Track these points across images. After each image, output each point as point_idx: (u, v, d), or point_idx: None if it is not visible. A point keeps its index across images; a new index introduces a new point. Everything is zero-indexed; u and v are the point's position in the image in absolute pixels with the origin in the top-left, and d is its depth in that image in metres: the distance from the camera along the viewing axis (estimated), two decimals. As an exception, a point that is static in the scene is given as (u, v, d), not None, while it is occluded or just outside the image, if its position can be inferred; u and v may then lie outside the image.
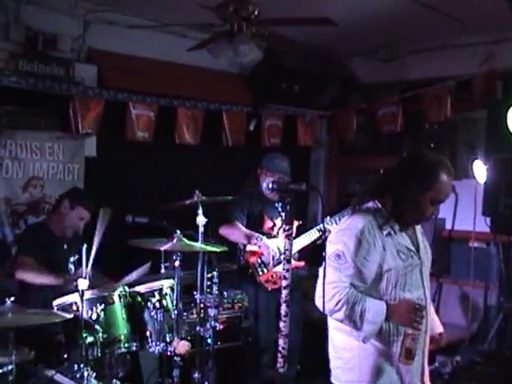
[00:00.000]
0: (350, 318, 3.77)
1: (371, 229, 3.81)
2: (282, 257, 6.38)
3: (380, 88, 8.77)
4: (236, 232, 6.51)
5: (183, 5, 6.39)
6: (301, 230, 6.55)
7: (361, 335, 3.82)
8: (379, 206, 3.90)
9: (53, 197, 6.83)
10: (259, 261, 6.51)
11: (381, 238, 3.81)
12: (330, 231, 6.38)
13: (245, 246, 6.52)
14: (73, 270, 5.83)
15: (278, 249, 6.46)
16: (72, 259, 5.84)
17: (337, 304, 3.78)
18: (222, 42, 5.90)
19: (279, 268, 6.46)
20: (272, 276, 6.52)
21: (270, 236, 6.53)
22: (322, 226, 6.60)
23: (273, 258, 6.44)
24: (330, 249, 3.87)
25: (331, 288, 3.80)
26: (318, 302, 3.90)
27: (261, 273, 6.52)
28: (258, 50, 5.91)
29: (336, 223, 6.51)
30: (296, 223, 6.24)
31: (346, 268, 3.79)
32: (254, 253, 6.51)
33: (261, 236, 6.44)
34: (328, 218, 6.54)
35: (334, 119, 9.28)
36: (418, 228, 4.08)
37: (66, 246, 5.95)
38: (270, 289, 6.53)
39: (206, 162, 8.10)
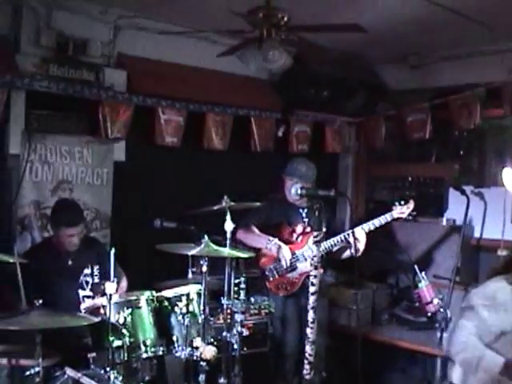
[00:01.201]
0: (467, 362, 4.15)
1: (503, 292, 4.17)
2: (299, 264, 6.46)
3: (409, 95, 8.73)
4: (250, 236, 6.51)
5: (213, 11, 6.41)
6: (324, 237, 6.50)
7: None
8: None
9: (81, 200, 6.87)
10: (271, 266, 6.49)
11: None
12: (357, 239, 6.31)
13: (259, 249, 6.51)
14: (89, 283, 5.90)
15: (294, 254, 6.44)
16: (87, 271, 5.91)
17: (459, 345, 4.19)
18: (251, 48, 5.90)
19: (292, 274, 6.46)
20: (284, 282, 6.49)
21: (288, 242, 6.51)
22: (346, 234, 6.48)
23: (285, 261, 6.40)
24: (468, 301, 4.28)
25: (459, 333, 4.22)
26: (446, 343, 4.43)
27: (271, 278, 6.50)
28: (287, 56, 5.90)
29: (365, 230, 6.42)
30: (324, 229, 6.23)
31: (474, 319, 4.16)
32: (267, 257, 6.50)
33: (271, 238, 6.42)
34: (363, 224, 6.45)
35: (362, 126, 9.26)
36: None
37: (70, 262, 5.98)
38: (281, 295, 6.51)
39: (234, 167, 8.11)
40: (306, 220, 6.58)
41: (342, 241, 6.40)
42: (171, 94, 7.41)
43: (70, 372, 4.80)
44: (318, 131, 8.88)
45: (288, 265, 6.42)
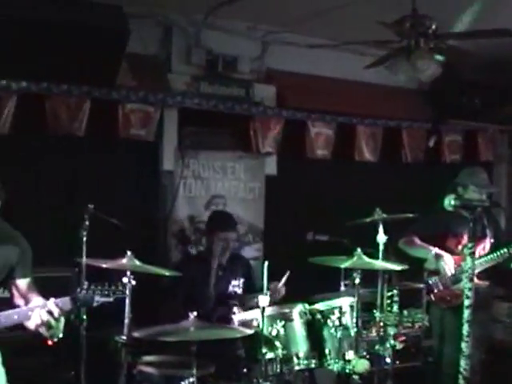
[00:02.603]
0: None
1: None
2: (464, 275, 6.27)
3: None
4: (410, 245, 6.39)
5: (360, 23, 6.39)
6: (491, 248, 6.30)
7: None
8: None
9: (234, 214, 6.99)
10: (435, 278, 6.35)
11: None
12: None
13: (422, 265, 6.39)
14: (237, 293, 6.03)
15: (460, 266, 6.28)
16: (234, 282, 6.02)
17: None
18: (399, 58, 5.85)
19: (457, 286, 6.27)
20: (448, 294, 6.32)
21: (453, 253, 6.37)
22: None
23: (447, 270, 6.22)
24: None
25: None
26: None
27: (436, 290, 6.35)
28: (436, 65, 5.82)
29: None
30: (487, 241, 6.06)
31: None
32: (431, 271, 6.36)
33: (431, 247, 6.26)
34: None
35: (516, 133, 9.02)
36: None
37: (220, 273, 6.07)
38: (444, 307, 6.35)
39: (385, 179, 8.04)
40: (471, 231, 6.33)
41: (504, 253, 6.16)
42: (320, 107, 7.45)
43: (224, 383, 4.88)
44: (470, 140, 8.69)
45: (450, 274, 6.24)
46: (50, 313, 3.69)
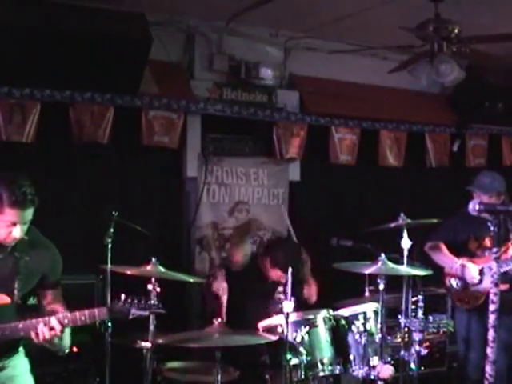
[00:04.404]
0: None
1: None
2: (485, 278, 6.24)
3: None
4: (436, 253, 6.36)
5: (382, 28, 6.39)
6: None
7: None
8: None
9: (258, 220, 6.99)
10: (453, 280, 6.31)
11: None
12: None
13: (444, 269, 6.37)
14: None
15: (482, 268, 6.24)
16: (280, 289, 5.95)
17: None
18: (422, 62, 5.85)
19: (476, 288, 6.22)
20: (467, 295, 6.28)
21: (474, 256, 6.33)
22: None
23: (471, 280, 6.19)
24: None
25: None
26: None
27: (453, 290, 6.32)
28: (459, 69, 5.80)
29: None
30: (510, 245, 6.02)
31: None
32: (450, 274, 6.34)
33: (456, 259, 6.23)
34: None
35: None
36: None
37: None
38: (464, 308, 6.31)
39: (409, 184, 8.02)
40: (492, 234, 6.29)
41: None
42: (343, 113, 7.44)
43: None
44: (495, 144, 8.64)
45: (475, 283, 6.22)
46: (52, 329, 3.62)
